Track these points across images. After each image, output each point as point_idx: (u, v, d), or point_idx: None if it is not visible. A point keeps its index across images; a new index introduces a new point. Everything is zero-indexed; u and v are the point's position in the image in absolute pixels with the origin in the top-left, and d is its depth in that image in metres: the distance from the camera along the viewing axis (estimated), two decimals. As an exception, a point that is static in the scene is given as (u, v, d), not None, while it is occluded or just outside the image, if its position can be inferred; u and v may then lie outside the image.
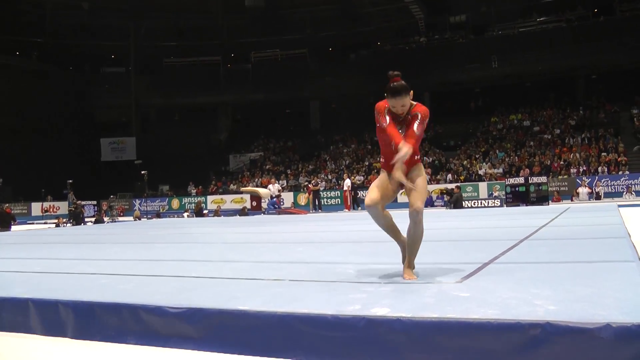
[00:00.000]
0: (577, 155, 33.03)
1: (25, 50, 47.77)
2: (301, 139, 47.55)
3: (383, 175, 4.24)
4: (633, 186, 28.11)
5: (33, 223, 29.95)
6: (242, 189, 33.93)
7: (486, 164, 34.77)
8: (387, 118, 4.08)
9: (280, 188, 31.48)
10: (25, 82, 44.68)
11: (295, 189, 36.49)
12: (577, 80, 42.25)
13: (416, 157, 4.19)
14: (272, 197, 27.07)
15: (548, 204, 22.82)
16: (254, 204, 28.89)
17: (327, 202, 32.31)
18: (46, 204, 37.87)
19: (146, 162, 38.61)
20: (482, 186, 31.40)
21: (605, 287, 3.44)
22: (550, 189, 26.69)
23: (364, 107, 42.85)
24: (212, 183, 42.09)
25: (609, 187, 28.99)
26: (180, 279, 4.59)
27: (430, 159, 37.01)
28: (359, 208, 27.01)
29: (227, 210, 31.85)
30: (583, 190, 27.67)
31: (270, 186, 29.37)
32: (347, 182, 28.44)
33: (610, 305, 2.95)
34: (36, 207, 37.79)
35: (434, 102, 43.09)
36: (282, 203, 30.45)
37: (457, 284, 3.82)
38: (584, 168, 31.53)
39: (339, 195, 31.79)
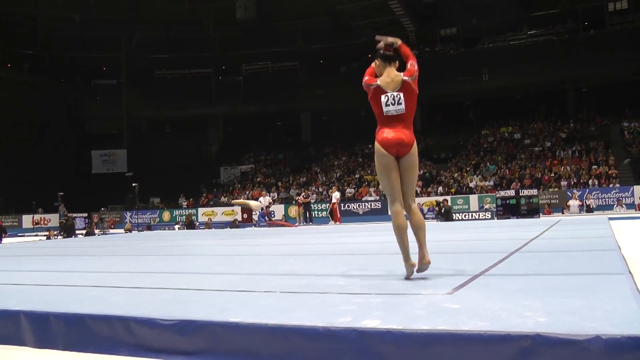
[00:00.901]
0: (568, 168, 33.10)
1: (16, 62, 47.63)
2: (292, 151, 47.56)
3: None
4: (623, 199, 28.20)
5: (24, 235, 29.80)
6: (233, 201, 33.89)
7: (477, 176, 34.79)
8: None
9: (270, 200, 31.45)
10: (17, 93, 44.45)
11: (287, 202, 36.44)
12: (568, 93, 42.39)
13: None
14: (261, 209, 27.06)
15: (539, 217, 22.89)
16: (245, 216, 28.85)
17: (318, 214, 32.23)
18: (37, 217, 37.72)
19: (137, 174, 38.42)
20: (473, 199, 31.42)
21: (595, 299, 3.46)
22: (541, 201, 26.77)
23: (355, 120, 43.13)
24: (203, 195, 41.99)
25: (600, 200, 29.06)
26: (172, 291, 4.59)
27: (421, 172, 36.99)
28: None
29: (218, 223, 31.88)
30: (574, 203, 27.77)
31: (261, 198, 29.35)
32: (336, 195, 28.30)
33: (600, 317, 2.97)
34: (27, 220, 37.62)
35: (425, 115, 43.16)
36: (272, 215, 30.41)
37: (447, 295, 3.83)
38: (575, 181, 31.59)
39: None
